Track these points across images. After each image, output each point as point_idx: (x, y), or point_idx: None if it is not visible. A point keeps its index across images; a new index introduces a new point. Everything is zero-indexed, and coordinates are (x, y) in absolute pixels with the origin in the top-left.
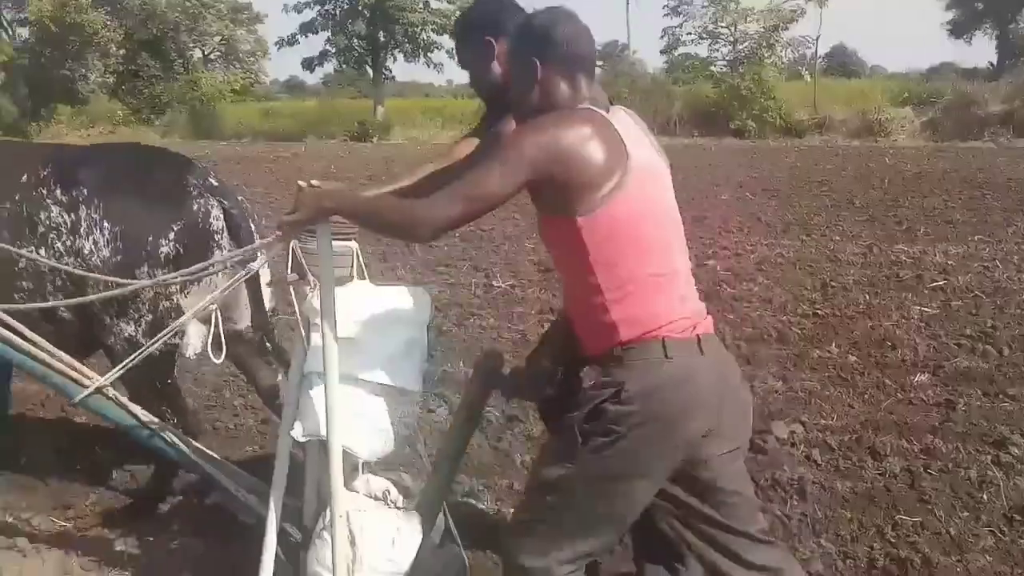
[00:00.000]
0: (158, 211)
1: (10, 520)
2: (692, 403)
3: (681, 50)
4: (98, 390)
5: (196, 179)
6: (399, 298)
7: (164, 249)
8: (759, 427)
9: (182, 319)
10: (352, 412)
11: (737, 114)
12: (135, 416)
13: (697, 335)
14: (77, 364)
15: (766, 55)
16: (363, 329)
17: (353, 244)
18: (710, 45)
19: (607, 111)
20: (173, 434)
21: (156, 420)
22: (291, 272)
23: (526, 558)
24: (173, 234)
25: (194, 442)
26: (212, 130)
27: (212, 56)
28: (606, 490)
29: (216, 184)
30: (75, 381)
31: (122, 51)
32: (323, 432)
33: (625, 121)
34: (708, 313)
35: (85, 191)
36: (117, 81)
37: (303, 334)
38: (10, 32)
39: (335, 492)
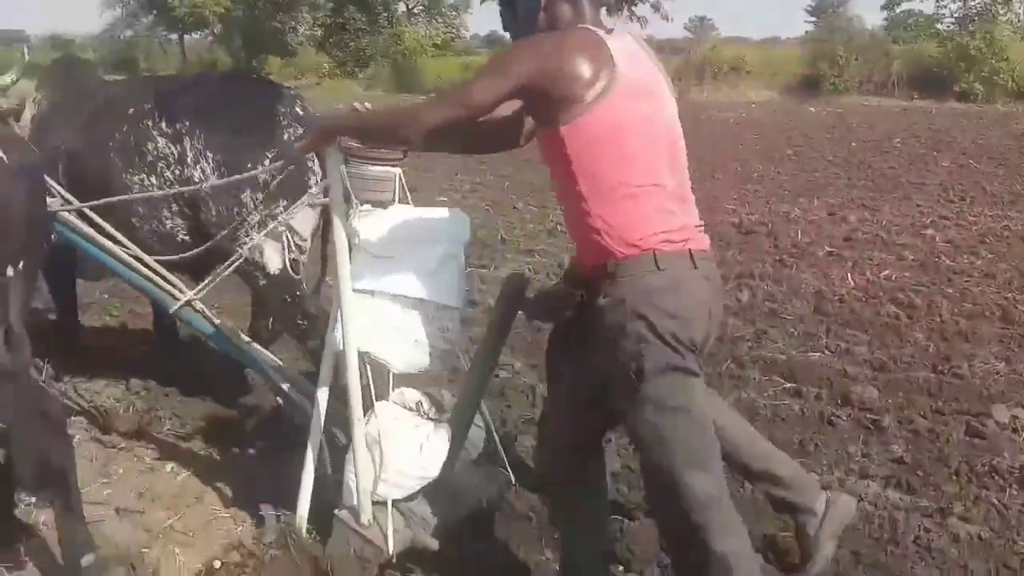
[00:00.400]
0: (254, 140)
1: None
2: (684, 310)
3: (904, 6)
4: (187, 303)
5: (286, 108)
6: (438, 219)
7: (263, 176)
8: (977, 409)
9: (252, 241)
10: (389, 326)
11: (963, 76)
12: (216, 326)
13: (689, 249)
14: (174, 279)
15: (1001, 12)
16: (401, 247)
17: (396, 170)
18: (937, 1)
19: (606, 33)
20: (248, 343)
21: (234, 330)
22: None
23: (679, 491)
24: (268, 162)
25: (268, 352)
26: (413, 84)
27: (416, 10)
28: (687, 398)
29: (303, 113)
30: (171, 295)
31: (330, 4)
32: (357, 342)
33: (627, 44)
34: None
35: (187, 123)
36: (324, 34)
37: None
38: None
39: (352, 399)
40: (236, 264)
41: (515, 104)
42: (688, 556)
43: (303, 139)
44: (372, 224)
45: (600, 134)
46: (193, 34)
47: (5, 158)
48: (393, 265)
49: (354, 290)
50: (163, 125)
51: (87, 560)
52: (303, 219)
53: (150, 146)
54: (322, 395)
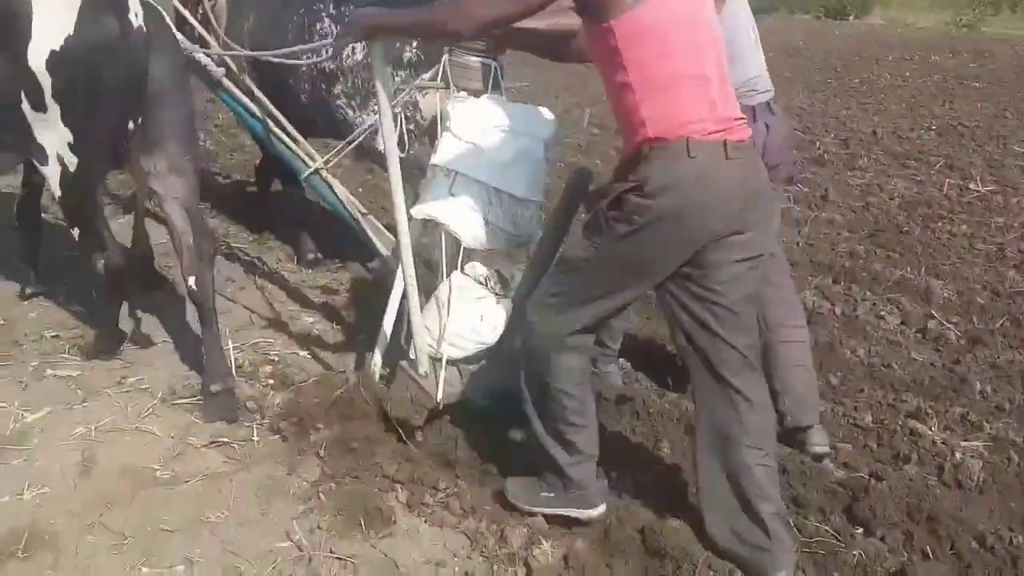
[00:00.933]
0: None
1: None
2: (709, 202)
3: None
4: (316, 171)
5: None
6: (524, 114)
7: (407, 55)
8: None
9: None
10: (464, 204)
11: None
12: (337, 195)
13: (724, 140)
14: (309, 147)
15: None
16: (482, 135)
17: (491, 63)
18: None
19: None
20: (363, 214)
21: (351, 199)
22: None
23: (543, 326)
24: (415, 43)
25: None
26: None
27: None
28: (615, 273)
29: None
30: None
31: None
32: (433, 213)
33: None
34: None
35: (351, 7)
36: None
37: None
38: None
39: (404, 261)
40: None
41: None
42: (532, 365)
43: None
44: (462, 110)
45: (647, 26)
46: None
47: (143, 26)
48: (473, 150)
49: (438, 166)
50: (331, 8)
51: (216, 387)
52: (428, 101)
53: (317, 26)
54: (406, 258)
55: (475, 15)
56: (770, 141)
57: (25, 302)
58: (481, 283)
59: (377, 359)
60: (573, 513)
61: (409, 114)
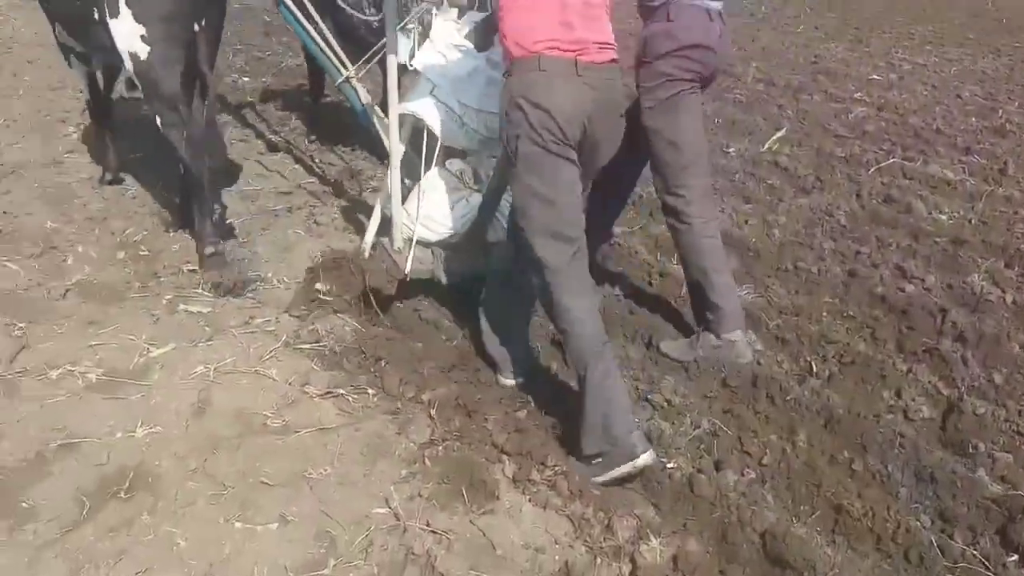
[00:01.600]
0: None
1: None
2: (555, 106)
3: None
4: (347, 79)
5: None
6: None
7: None
8: None
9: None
10: (443, 107)
11: None
12: (363, 103)
13: (577, 58)
14: (343, 57)
15: None
16: (453, 51)
17: None
18: None
19: None
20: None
21: (374, 107)
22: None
23: (530, 251)
24: None
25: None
26: None
27: None
28: (544, 180)
29: None
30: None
31: None
32: (415, 111)
33: None
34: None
35: None
36: None
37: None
38: None
39: (392, 151)
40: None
41: None
42: (544, 307)
43: None
44: (443, 24)
45: None
46: None
47: None
48: (444, 62)
49: (420, 72)
50: None
51: (208, 250)
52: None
53: None
54: (394, 149)
55: None
56: (722, 46)
57: (168, 232)
58: (456, 177)
59: (369, 237)
60: (625, 469)
61: (421, 31)
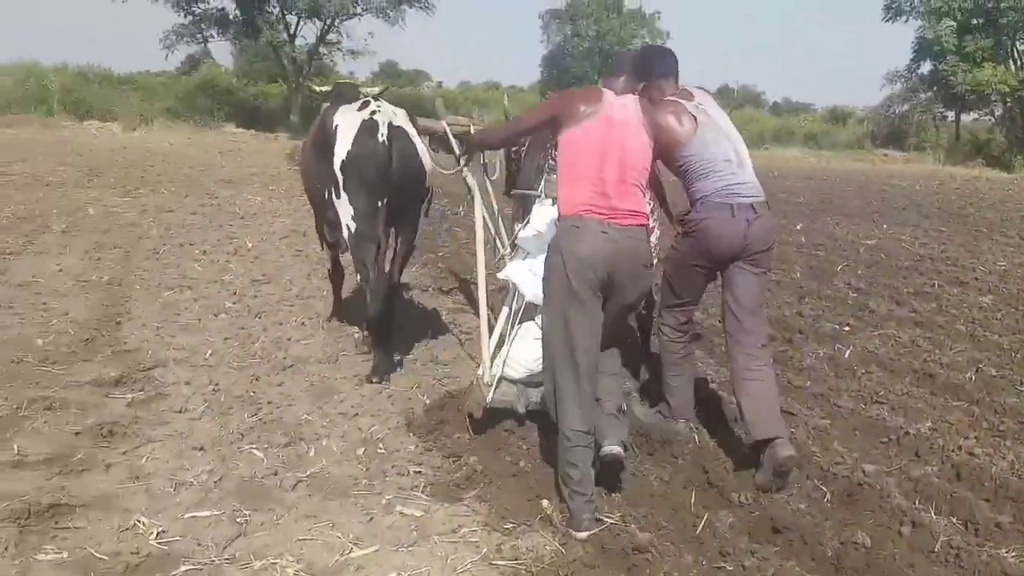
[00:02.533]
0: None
1: None
2: (581, 254)
3: None
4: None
5: None
6: None
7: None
8: None
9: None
10: (529, 271)
11: None
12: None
13: (606, 222)
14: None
15: None
16: (549, 230)
17: None
18: None
19: (614, 95)
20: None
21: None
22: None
23: (549, 367)
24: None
25: None
26: None
27: None
28: (563, 308)
29: None
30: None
31: None
32: (510, 276)
33: (618, 101)
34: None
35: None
36: None
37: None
38: None
39: (480, 303)
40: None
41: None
42: (550, 408)
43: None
44: (541, 210)
45: (569, 143)
46: (971, 113)
47: (384, 134)
48: (540, 239)
49: (520, 244)
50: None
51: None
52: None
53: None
54: (481, 306)
55: (500, 137)
56: (750, 232)
57: (410, 433)
58: (539, 327)
59: (481, 373)
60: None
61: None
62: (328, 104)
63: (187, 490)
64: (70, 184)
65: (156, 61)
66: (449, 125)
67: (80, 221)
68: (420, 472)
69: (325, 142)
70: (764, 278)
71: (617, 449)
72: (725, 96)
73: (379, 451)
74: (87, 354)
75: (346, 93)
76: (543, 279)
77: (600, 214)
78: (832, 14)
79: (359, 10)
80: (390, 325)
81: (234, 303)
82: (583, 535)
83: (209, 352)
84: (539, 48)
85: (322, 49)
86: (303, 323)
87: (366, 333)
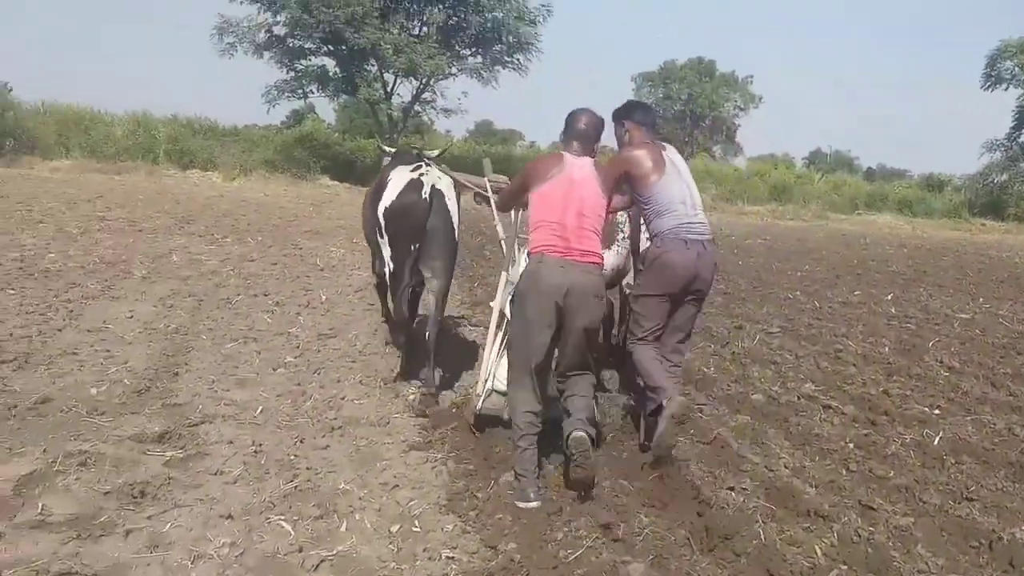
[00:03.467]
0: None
1: None
2: (537, 289)
3: None
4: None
5: None
6: None
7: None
8: None
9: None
10: None
11: None
12: None
13: (564, 258)
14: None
15: None
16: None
17: None
18: None
19: (576, 156)
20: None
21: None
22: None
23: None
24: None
25: None
26: None
27: None
28: (525, 324)
29: None
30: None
31: None
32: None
33: (577, 162)
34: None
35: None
36: None
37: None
38: None
39: (491, 331)
40: None
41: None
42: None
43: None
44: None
45: (538, 197)
46: None
47: (427, 193)
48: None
49: (511, 280)
50: None
51: (424, 390)
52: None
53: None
54: (491, 329)
55: (503, 201)
56: (700, 270)
57: (447, 512)
58: None
59: (478, 389)
60: (520, 505)
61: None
62: (389, 161)
63: (205, 564)
64: (161, 231)
65: (263, 115)
66: (490, 183)
67: (162, 267)
68: (453, 558)
69: (378, 191)
70: (699, 308)
71: (581, 433)
72: (818, 161)
73: (414, 529)
74: (137, 406)
75: (405, 154)
76: (511, 301)
77: (559, 252)
78: (929, 81)
79: (454, 70)
80: (431, 349)
81: (295, 357)
82: (531, 505)
83: (260, 409)
84: None
85: (417, 107)
86: (361, 381)
87: (421, 391)
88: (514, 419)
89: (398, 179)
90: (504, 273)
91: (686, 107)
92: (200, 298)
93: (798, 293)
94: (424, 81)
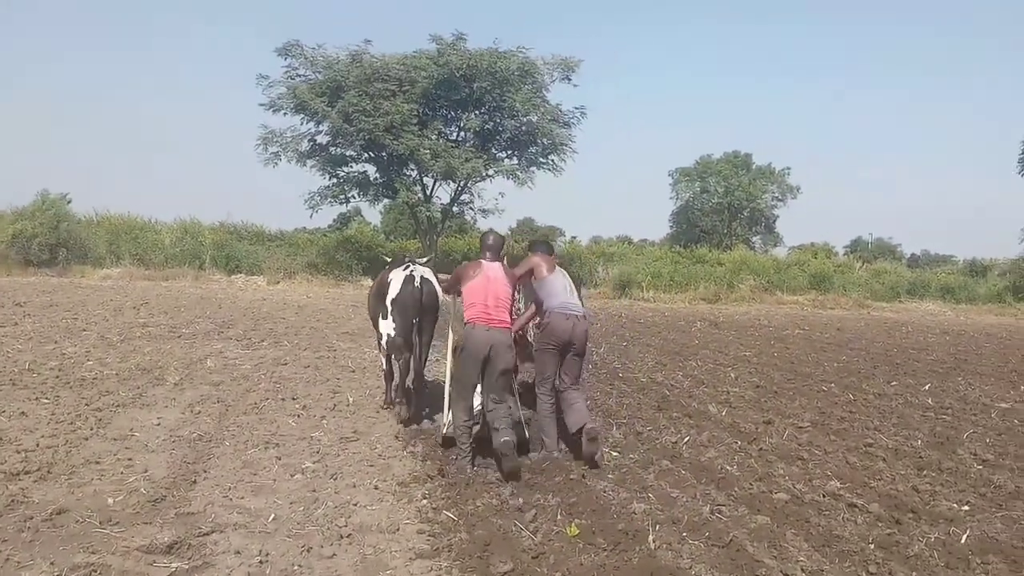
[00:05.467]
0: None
1: None
2: (472, 344)
3: None
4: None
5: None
6: None
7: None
8: None
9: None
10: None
11: None
12: None
13: (486, 325)
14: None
15: None
16: None
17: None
18: None
19: (489, 262)
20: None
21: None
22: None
23: (455, 384)
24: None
25: None
26: None
27: None
28: (464, 368)
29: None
30: None
31: None
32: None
33: (491, 266)
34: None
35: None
36: None
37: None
38: None
39: (447, 376)
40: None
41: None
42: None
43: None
44: None
45: (467, 290)
46: None
47: (418, 284)
48: None
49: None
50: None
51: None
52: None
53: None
54: (449, 365)
55: (444, 290)
56: (574, 334)
57: None
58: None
59: (447, 419)
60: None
61: None
62: (388, 264)
63: None
64: (200, 335)
65: (309, 219)
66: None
67: (195, 373)
68: None
69: (382, 287)
70: (583, 359)
71: (506, 437)
72: (860, 248)
73: None
74: (150, 516)
75: (398, 259)
76: (454, 349)
77: (484, 321)
78: (967, 167)
79: (490, 172)
80: (413, 392)
81: (315, 462)
82: (504, 439)
83: (272, 516)
84: (668, 204)
85: (455, 208)
86: (376, 486)
87: (399, 412)
88: (456, 424)
89: (397, 277)
90: (451, 333)
91: (723, 200)
92: (228, 404)
93: (832, 385)
94: (461, 183)
